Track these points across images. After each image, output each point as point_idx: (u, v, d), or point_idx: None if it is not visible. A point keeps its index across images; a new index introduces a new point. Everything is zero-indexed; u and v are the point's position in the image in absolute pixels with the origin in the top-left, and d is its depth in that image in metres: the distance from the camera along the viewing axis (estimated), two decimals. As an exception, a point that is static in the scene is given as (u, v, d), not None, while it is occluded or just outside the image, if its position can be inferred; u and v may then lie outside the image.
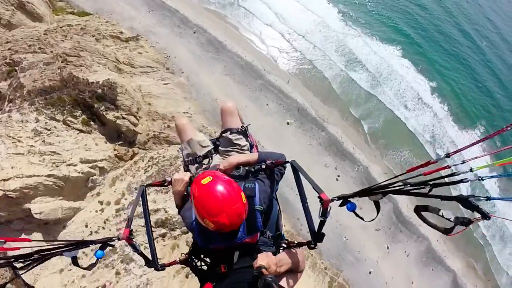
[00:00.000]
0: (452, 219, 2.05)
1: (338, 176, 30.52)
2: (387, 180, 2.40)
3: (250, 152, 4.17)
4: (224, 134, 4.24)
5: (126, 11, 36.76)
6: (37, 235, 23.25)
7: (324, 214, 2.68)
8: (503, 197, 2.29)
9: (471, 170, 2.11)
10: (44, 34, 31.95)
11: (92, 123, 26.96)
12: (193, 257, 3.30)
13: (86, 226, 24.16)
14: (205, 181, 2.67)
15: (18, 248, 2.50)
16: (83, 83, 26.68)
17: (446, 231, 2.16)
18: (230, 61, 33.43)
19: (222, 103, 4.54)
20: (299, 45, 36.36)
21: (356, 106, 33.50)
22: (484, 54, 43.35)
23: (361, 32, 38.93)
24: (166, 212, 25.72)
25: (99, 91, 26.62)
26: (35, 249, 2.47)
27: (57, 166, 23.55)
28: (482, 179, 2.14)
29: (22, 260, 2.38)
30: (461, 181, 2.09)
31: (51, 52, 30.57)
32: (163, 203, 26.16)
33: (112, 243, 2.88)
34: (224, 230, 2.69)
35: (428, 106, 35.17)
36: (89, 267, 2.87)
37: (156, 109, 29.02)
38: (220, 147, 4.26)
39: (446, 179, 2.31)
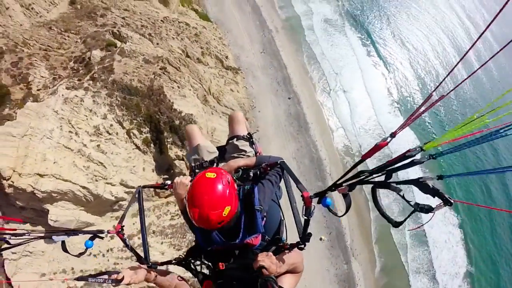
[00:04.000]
0: (412, 203, 1.78)
1: (334, 319, 26.61)
2: (348, 171, 2.12)
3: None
4: (230, 141, 3.95)
5: (241, 38, 32.42)
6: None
7: (308, 212, 2.41)
8: (460, 173, 1.83)
9: (421, 149, 1.74)
10: (161, 21, 27.74)
11: (152, 145, 22.82)
12: (191, 258, 2.95)
13: (88, 244, 20.07)
14: (208, 175, 2.51)
15: (15, 229, 2.42)
16: (167, 105, 22.54)
17: (396, 224, 1.99)
18: (305, 147, 29.19)
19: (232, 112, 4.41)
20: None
21: (385, 257, 29.07)
22: None
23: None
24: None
25: (177, 122, 22.52)
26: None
27: (96, 181, 19.61)
28: (435, 157, 1.74)
29: (15, 237, 2.36)
30: (413, 162, 1.72)
31: (157, 44, 26.31)
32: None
33: (102, 235, 2.74)
34: (199, 225, 2.52)
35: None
36: (78, 255, 2.71)
37: (214, 159, 24.75)
38: (226, 154, 3.89)
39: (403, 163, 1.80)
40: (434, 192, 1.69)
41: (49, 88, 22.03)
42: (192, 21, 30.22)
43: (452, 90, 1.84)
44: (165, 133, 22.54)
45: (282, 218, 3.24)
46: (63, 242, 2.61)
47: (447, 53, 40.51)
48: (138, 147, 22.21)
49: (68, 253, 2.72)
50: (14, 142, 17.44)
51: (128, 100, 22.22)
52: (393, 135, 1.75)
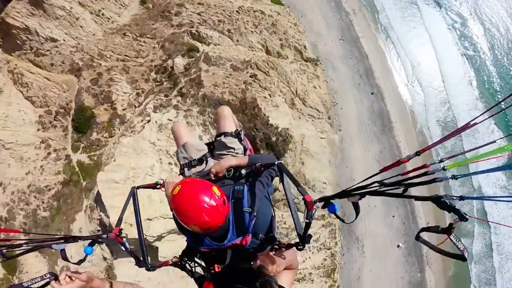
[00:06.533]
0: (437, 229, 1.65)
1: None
2: (363, 180, 1.92)
3: (244, 155, 3.43)
4: (218, 138, 3.52)
5: (317, 23, 26.58)
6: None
7: (310, 216, 2.10)
8: (478, 197, 1.45)
9: (443, 169, 1.63)
10: (236, 12, 22.47)
11: (246, 162, 19.21)
12: (186, 259, 2.67)
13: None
14: (176, 191, 2.18)
15: (9, 240, 2.10)
16: (262, 121, 18.57)
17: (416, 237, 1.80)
18: (388, 149, 24.88)
19: (218, 108, 3.89)
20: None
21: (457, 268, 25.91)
22: None
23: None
24: None
25: (273, 138, 18.77)
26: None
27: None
28: (456, 178, 1.69)
29: (12, 249, 2.06)
30: (434, 180, 1.64)
31: (237, 42, 21.44)
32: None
33: (101, 240, 2.48)
34: (212, 229, 2.20)
35: None
36: (78, 262, 2.40)
37: (305, 171, 21.23)
38: (215, 151, 3.52)
39: (422, 179, 1.69)
40: (451, 209, 1.57)
41: (135, 106, 18.21)
42: (266, 7, 24.50)
43: (485, 119, 1.64)
44: (262, 150, 18.77)
45: (273, 215, 2.88)
46: (62, 251, 2.26)
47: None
48: (233, 168, 18.73)
49: (68, 261, 2.34)
50: (119, 190, 14.28)
51: (220, 117, 18.22)
52: (418, 153, 1.68)
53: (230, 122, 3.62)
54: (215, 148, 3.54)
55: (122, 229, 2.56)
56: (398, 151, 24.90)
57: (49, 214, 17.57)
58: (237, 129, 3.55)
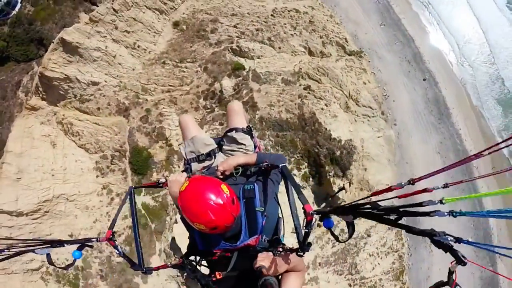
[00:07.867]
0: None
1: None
2: (360, 199, 1.76)
3: (254, 152, 3.20)
4: (229, 133, 3.29)
5: (353, 10, 24.07)
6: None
7: (308, 226, 2.04)
8: (478, 243, 1.57)
9: (441, 202, 1.49)
10: (271, 15, 20.51)
11: (310, 179, 17.92)
12: (188, 261, 2.51)
13: None
14: (183, 187, 2.08)
15: None
16: (325, 136, 17.02)
17: None
18: (449, 138, 22.76)
19: (229, 103, 3.71)
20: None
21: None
22: None
23: None
24: None
25: (337, 153, 17.28)
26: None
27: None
28: (454, 215, 1.48)
29: None
30: (429, 214, 1.43)
31: (280, 49, 19.58)
32: None
33: (91, 243, 2.29)
34: (218, 229, 2.08)
35: None
36: (66, 267, 2.31)
37: (368, 177, 19.71)
38: (224, 146, 3.26)
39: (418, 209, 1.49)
40: (447, 249, 1.35)
41: (190, 139, 16.88)
42: (299, 4, 22.15)
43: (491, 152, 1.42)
44: (327, 166, 17.31)
45: (280, 216, 2.75)
46: (48, 255, 2.16)
47: None
48: (299, 188, 17.42)
49: (54, 266, 2.28)
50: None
51: (281, 138, 16.85)
52: (411, 182, 1.61)
53: (241, 117, 3.41)
54: (225, 143, 3.30)
55: (115, 232, 2.41)
56: (459, 140, 22.79)
57: (123, 260, 17.06)
58: (248, 125, 3.36)
